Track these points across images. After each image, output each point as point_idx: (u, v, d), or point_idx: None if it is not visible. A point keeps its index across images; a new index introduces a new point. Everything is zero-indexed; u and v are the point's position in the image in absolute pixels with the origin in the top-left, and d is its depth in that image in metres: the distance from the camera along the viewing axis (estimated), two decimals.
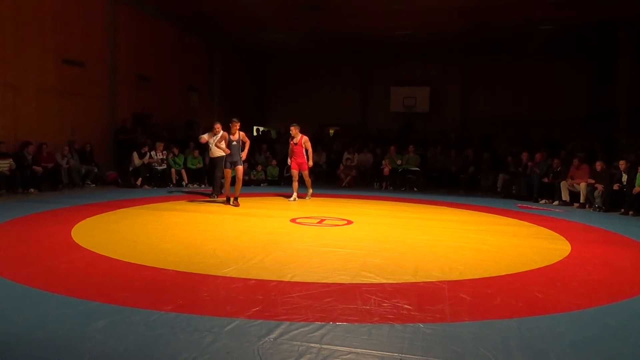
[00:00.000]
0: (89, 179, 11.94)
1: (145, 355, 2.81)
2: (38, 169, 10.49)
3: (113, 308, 3.50)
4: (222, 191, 10.00)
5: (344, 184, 14.22)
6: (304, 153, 10.13)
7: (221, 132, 9.93)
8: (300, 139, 10.13)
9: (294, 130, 10.21)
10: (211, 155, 10.54)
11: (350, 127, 21.01)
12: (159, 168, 12.46)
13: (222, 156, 9.69)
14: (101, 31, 13.07)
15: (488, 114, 19.45)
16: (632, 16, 14.19)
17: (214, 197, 10.13)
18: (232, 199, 9.14)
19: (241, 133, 9.24)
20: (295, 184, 10.20)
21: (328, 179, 15.10)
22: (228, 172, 9.21)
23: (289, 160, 10.51)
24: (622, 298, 4.09)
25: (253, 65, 21.88)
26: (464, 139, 17.18)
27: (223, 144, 9.23)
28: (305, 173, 10.24)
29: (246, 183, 13.62)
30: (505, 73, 19.71)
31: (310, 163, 10.26)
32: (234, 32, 17.92)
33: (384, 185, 13.97)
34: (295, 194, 10.14)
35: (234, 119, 9.26)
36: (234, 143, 9.11)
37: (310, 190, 10.47)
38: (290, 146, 10.32)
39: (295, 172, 10.22)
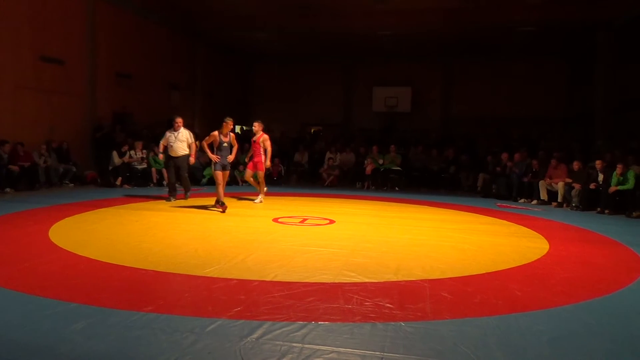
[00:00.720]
0: (67, 178, 11.75)
1: (125, 356, 2.78)
2: (14, 168, 10.28)
3: (92, 309, 3.45)
4: (181, 193, 9.51)
5: (326, 183, 14.23)
6: (262, 152, 9.38)
7: (182, 128, 9.26)
8: (259, 137, 9.39)
9: (257, 126, 9.49)
10: (173, 154, 9.33)
11: (333, 127, 21.05)
12: (139, 167, 12.31)
13: (186, 155, 9.19)
14: (81, 28, 12.86)
15: (469, 114, 19.69)
16: (610, 18, 14.49)
17: (173, 200, 9.28)
18: (219, 203, 8.35)
19: (231, 135, 8.56)
20: (259, 185, 9.67)
21: (310, 178, 15.11)
22: (219, 175, 8.32)
23: (246, 160, 9.87)
24: (599, 295, 4.17)
25: (236, 63, 21.76)
26: (445, 139, 17.34)
27: (201, 149, 8.55)
28: (260, 174, 9.49)
29: (227, 182, 13.56)
30: (485, 73, 19.96)
31: (268, 164, 9.40)
32: (217, 31, 17.81)
33: (366, 184, 14.01)
34: (261, 195, 9.65)
35: (228, 118, 8.46)
36: (225, 144, 8.39)
37: (262, 194, 9.65)
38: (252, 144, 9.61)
39: (249, 173, 9.66)
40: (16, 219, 7.01)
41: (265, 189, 9.87)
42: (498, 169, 12.48)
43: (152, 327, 3.15)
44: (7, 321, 3.22)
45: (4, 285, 3.94)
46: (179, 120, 9.39)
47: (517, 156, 12.21)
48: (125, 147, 12.24)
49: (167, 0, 15.65)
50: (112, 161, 12.03)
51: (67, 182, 11.72)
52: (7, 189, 10.01)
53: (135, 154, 12.34)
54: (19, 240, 5.66)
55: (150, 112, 15.57)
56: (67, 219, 7.03)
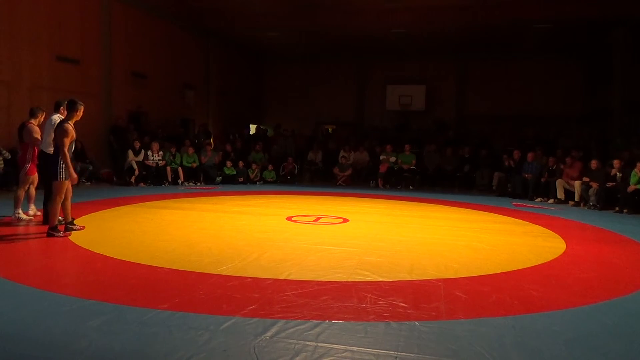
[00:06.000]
0: (83, 176, 11.88)
1: (140, 353, 2.80)
2: None
3: (108, 306, 3.49)
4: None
5: (339, 182, 14.21)
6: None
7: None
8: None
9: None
10: (48, 150, 6.22)
11: (346, 125, 21.01)
12: (154, 165, 12.43)
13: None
14: (96, 28, 13.00)
15: (483, 112, 19.52)
16: (627, 15, 14.25)
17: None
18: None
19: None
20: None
21: (324, 177, 15.11)
22: (67, 185, 5.96)
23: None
24: (616, 296, 4.11)
25: (249, 62, 21.83)
26: (460, 137, 17.20)
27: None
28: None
29: (241, 181, 13.60)
30: (500, 71, 19.76)
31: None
32: (230, 30, 17.87)
33: (380, 183, 13.95)
34: (32, 205, 7.12)
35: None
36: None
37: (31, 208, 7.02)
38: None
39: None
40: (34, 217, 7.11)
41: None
42: (511, 165, 12.35)
43: (168, 324, 3.18)
44: (24, 318, 3.27)
45: (22, 282, 4.00)
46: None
47: (530, 156, 12.03)
48: (137, 144, 12.32)
49: (181, 0, 15.74)
50: (127, 159, 12.16)
51: (84, 180, 11.85)
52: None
53: (152, 156, 12.43)
54: (37, 238, 5.74)
55: (164, 111, 15.69)
56: (84, 217, 7.10)
